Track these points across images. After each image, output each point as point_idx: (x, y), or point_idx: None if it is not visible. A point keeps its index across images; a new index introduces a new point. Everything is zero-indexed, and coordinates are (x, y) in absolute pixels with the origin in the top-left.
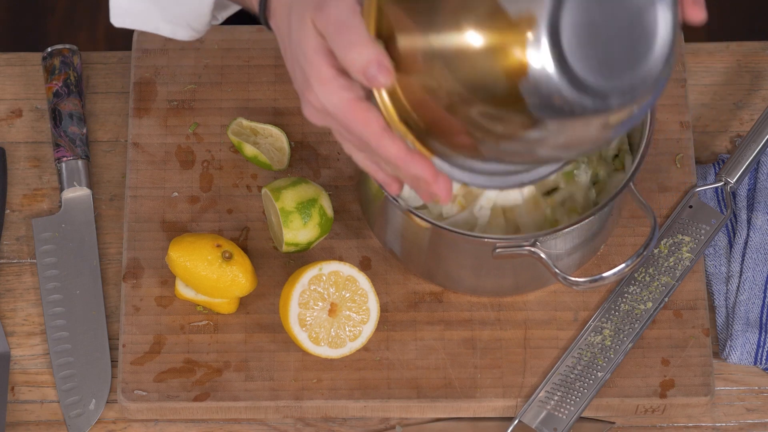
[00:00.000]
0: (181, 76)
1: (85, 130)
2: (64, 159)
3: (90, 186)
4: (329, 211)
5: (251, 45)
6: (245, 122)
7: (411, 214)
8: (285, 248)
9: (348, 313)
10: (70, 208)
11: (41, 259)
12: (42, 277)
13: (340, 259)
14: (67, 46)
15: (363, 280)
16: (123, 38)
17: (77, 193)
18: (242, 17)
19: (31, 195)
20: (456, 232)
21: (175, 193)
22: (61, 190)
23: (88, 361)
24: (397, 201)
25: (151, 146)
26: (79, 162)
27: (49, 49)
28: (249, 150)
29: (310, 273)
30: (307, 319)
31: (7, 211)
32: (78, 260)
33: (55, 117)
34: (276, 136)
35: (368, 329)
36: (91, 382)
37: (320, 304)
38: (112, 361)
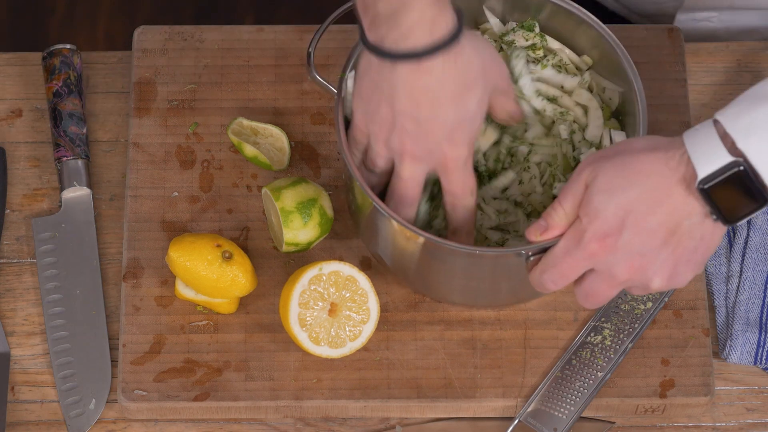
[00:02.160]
0: (181, 76)
1: (85, 130)
2: (64, 159)
3: (90, 186)
4: (329, 211)
5: (251, 45)
6: (245, 122)
7: (401, 225)
8: (285, 248)
9: (348, 313)
10: (70, 208)
11: (41, 259)
12: (42, 277)
13: (340, 259)
14: (67, 46)
15: (363, 280)
16: (123, 38)
17: (77, 192)
18: (242, 17)
19: (31, 195)
20: (447, 245)
21: (175, 193)
22: (61, 189)
23: (88, 361)
24: (386, 212)
25: (151, 146)
26: (79, 162)
27: (49, 49)
28: (249, 150)
29: (310, 273)
30: (308, 319)
31: (7, 211)
32: (78, 260)
33: (55, 117)
34: (276, 136)
35: (368, 329)
36: (91, 382)
37: (320, 304)
38: (112, 361)
